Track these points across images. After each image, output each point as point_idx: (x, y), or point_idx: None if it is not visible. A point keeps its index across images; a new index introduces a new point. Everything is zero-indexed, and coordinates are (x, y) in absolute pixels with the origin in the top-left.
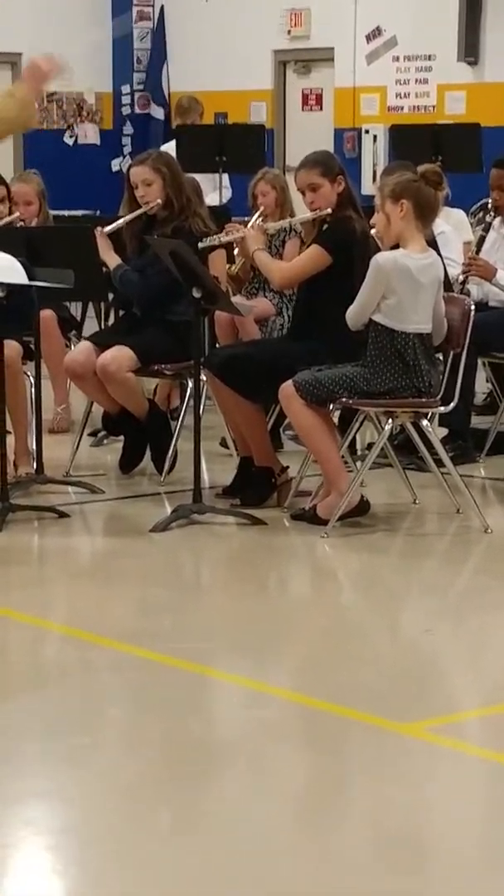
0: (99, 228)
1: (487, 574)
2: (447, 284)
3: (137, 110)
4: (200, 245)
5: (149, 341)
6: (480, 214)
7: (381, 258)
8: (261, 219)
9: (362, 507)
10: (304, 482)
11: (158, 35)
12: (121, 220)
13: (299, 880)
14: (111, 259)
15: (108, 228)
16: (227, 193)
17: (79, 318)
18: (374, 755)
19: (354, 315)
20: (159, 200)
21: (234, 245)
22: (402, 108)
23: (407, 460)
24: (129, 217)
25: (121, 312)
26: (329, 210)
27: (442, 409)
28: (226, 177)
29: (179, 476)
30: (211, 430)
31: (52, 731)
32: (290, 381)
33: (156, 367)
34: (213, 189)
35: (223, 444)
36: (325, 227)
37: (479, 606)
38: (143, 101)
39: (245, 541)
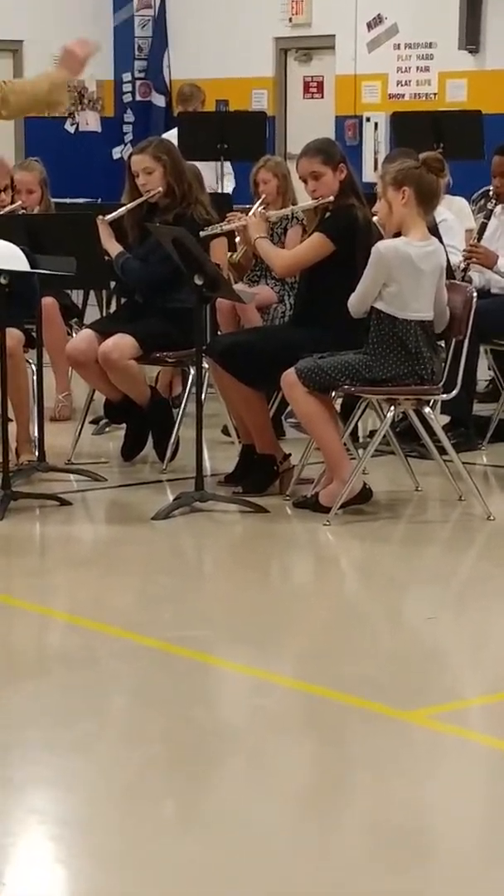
0: (100, 217)
1: (490, 561)
2: (449, 272)
3: (139, 98)
4: (202, 234)
5: (150, 329)
6: (482, 202)
7: (383, 246)
8: (262, 207)
9: (364, 495)
10: (306, 470)
11: (160, 23)
12: (122, 209)
13: (300, 872)
14: (113, 247)
15: (110, 217)
16: (230, 181)
17: (80, 306)
18: (377, 743)
19: (356, 303)
20: (160, 188)
21: (236, 233)
22: (403, 96)
23: (409, 448)
24: (130, 205)
25: (122, 300)
26: (331, 198)
27: (444, 396)
28: (228, 165)
29: (181, 464)
30: (213, 417)
31: (56, 719)
32: (292, 369)
33: (157, 355)
34: (217, 178)
35: (225, 431)
36: (328, 214)
37: (482, 594)
38: (145, 88)
39: (247, 529)
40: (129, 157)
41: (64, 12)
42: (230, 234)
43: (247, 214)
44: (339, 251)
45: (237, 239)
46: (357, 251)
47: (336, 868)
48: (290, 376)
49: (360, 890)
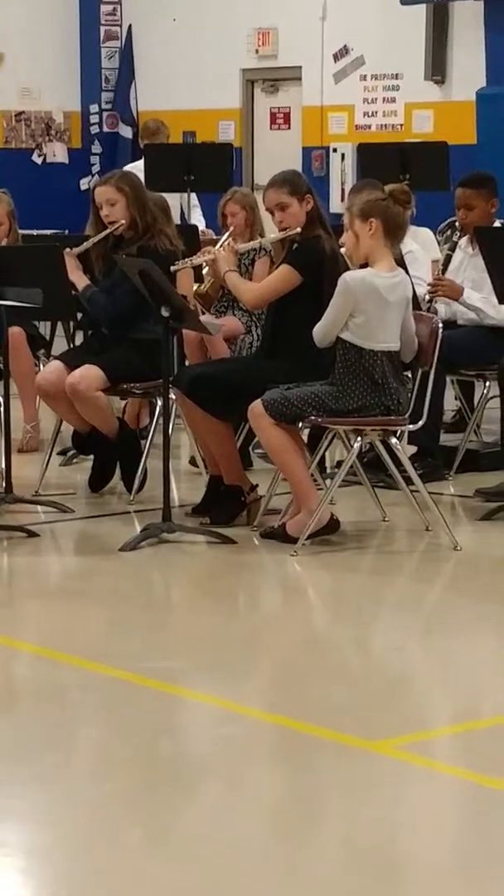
0: (67, 249)
1: (457, 591)
2: (415, 303)
3: (106, 129)
4: (173, 268)
5: (118, 360)
6: (448, 233)
7: (350, 277)
8: (230, 238)
9: (332, 526)
10: (273, 500)
11: (126, 54)
12: (89, 241)
13: None
14: (79, 280)
15: (77, 250)
16: (198, 214)
17: (48, 338)
18: (344, 774)
19: (322, 333)
20: (124, 221)
21: (205, 266)
22: (369, 127)
23: (376, 478)
24: (96, 238)
25: (89, 332)
26: (298, 229)
27: (411, 426)
28: (194, 196)
29: (149, 495)
30: (180, 448)
31: (23, 751)
32: (258, 400)
33: (125, 386)
34: (182, 209)
35: (193, 462)
36: (295, 246)
37: (449, 624)
38: (112, 120)
39: (215, 559)
40: (93, 188)
41: (30, 44)
42: (198, 266)
43: (214, 246)
44: (307, 282)
45: (205, 270)
46: (324, 282)
47: (306, 893)
48: (256, 408)
49: None
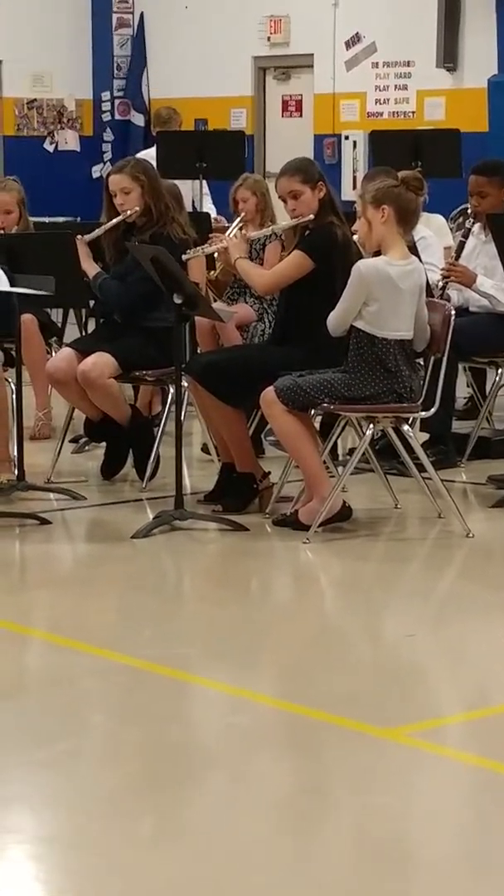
0: (79, 237)
1: (469, 579)
2: (428, 290)
3: (118, 117)
4: (185, 257)
5: (130, 348)
6: (460, 220)
7: (363, 265)
8: (241, 225)
9: (344, 513)
10: (285, 488)
11: (138, 41)
12: (100, 228)
13: (281, 886)
14: (91, 268)
15: (88, 236)
16: (209, 202)
17: (60, 325)
18: (356, 761)
19: (336, 321)
20: (137, 208)
21: (217, 253)
22: (381, 114)
23: (388, 465)
24: (108, 225)
25: (101, 319)
26: (311, 216)
27: (423, 413)
28: (205, 184)
29: (161, 482)
30: (192, 435)
31: (35, 737)
32: (271, 388)
33: (137, 374)
34: (194, 196)
35: (205, 449)
36: (308, 232)
37: (461, 611)
38: (123, 107)
39: (227, 547)
40: (107, 176)
41: (42, 31)
42: (210, 254)
43: (225, 233)
44: (319, 269)
45: (216, 256)
46: (336, 269)
47: (316, 884)
48: (269, 395)
49: None
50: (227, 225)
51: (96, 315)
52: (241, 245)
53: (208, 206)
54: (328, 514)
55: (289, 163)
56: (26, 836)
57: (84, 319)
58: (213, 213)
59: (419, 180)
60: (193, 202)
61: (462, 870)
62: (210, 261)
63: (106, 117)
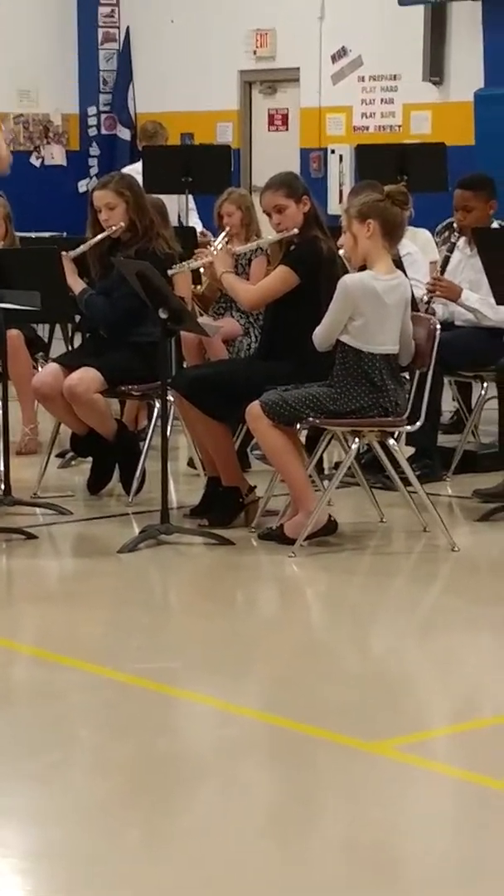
0: (64, 253)
1: (454, 592)
2: (413, 305)
3: (104, 131)
4: (171, 272)
5: (116, 362)
6: (446, 234)
7: (349, 280)
8: (227, 240)
9: (329, 527)
10: (271, 502)
11: (124, 56)
12: (86, 244)
13: None
14: (76, 284)
15: (73, 252)
16: (195, 216)
17: (46, 340)
18: (343, 775)
19: (322, 336)
20: (122, 223)
21: (202, 268)
22: (367, 128)
23: (374, 479)
24: (93, 240)
25: (87, 334)
26: (296, 230)
27: (408, 427)
28: (191, 199)
29: (147, 497)
30: (178, 450)
31: (21, 751)
32: (256, 402)
33: (123, 388)
34: (179, 211)
35: (191, 464)
36: (293, 247)
37: (447, 625)
38: (110, 122)
39: (213, 561)
40: (92, 192)
41: (28, 47)
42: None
43: (210, 247)
44: (304, 283)
45: (202, 271)
46: (321, 283)
47: (304, 894)
48: (254, 409)
49: None
50: (212, 239)
51: (82, 330)
52: (226, 259)
53: (194, 221)
54: (314, 528)
55: (273, 177)
56: (13, 850)
57: (70, 334)
58: (199, 228)
59: (404, 194)
60: (179, 217)
61: (449, 882)
62: (196, 275)
63: (92, 132)
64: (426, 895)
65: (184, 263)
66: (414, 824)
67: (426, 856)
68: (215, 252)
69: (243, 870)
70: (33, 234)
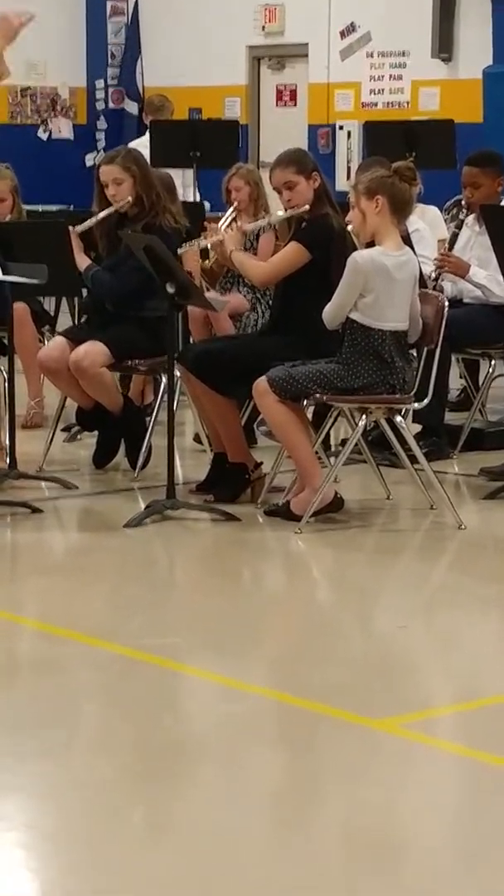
0: (71, 228)
1: (460, 570)
2: (421, 282)
3: (111, 105)
4: (180, 251)
5: (122, 336)
6: (454, 211)
7: (359, 257)
8: (235, 215)
9: (336, 503)
10: (277, 478)
11: (132, 30)
12: (92, 220)
13: (273, 878)
14: (82, 260)
15: (80, 228)
16: (191, 192)
17: (52, 314)
18: (348, 751)
19: (332, 314)
20: (130, 198)
21: (211, 246)
22: (376, 105)
23: (381, 456)
24: (100, 216)
25: (85, 316)
26: (306, 207)
27: (416, 405)
28: (190, 175)
29: (153, 472)
30: (185, 425)
31: (25, 726)
32: (263, 377)
33: (129, 363)
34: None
35: (197, 439)
36: (304, 224)
37: (452, 603)
38: (117, 95)
39: (219, 537)
40: (98, 167)
41: (36, 20)
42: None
43: (218, 223)
44: (316, 260)
45: (209, 247)
46: (332, 259)
47: (308, 875)
48: (261, 385)
49: (334, 889)
50: (219, 215)
51: (87, 310)
52: (237, 238)
53: (192, 195)
54: (320, 505)
55: (282, 154)
56: (16, 824)
57: (77, 308)
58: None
59: (411, 170)
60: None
61: (454, 860)
62: (203, 250)
63: (100, 105)
64: (430, 872)
65: (193, 241)
66: (418, 802)
67: (428, 838)
68: (227, 230)
69: (245, 848)
70: (40, 208)
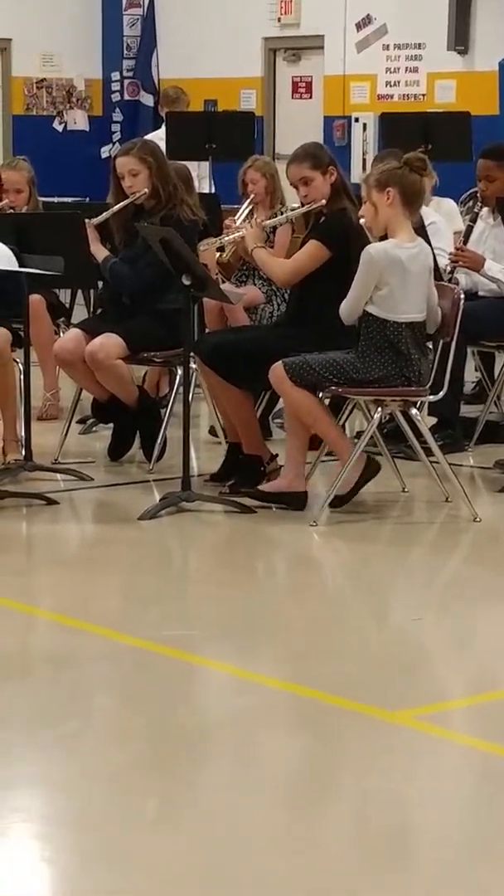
0: (87, 220)
1: (475, 563)
2: (437, 274)
3: (127, 97)
4: (201, 249)
5: (138, 329)
6: (470, 203)
7: (374, 250)
8: (251, 207)
9: (371, 469)
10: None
11: (148, 22)
12: (108, 211)
13: (286, 870)
14: (99, 251)
15: (96, 220)
16: (205, 183)
17: (68, 306)
18: (362, 744)
19: (348, 309)
20: (146, 190)
21: (233, 243)
22: (391, 97)
23: (396, 449)
24: (116, 207)
25: (108, 300)
26: (323, 202)
27: (431, 397)
28: (205, 167)
29: (168, 464)
30: (200, 417)
31: (40, 718)
32: (279, 362)
33: (145, 355)
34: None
35: (212, 431)
36: (322, 219)
37: (467, 595)
38: (133, 87)
39: (233, 529)
40: (114, 158)
41: (52, 10)
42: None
43: (235, 216)
44: (335, 256)
45: (226, 239)
46: (352, 254)
47: (320, 866)
48: (277, 370)
49: (346, 886)
50: (235, 207)
51: (102, 303)
52: (258, 234)
53: (205, 189)
54: (347, 486)
55: (298, 149)
56: (32, 815)
57: (92, 300)
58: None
59: (422, 160)
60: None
61: (467, 851)
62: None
63: (115, 97)
64: (443, 865)
65: (214, 239)
66: (432, 794)
67: (444, 825)
68: (247, 227)
69: (258, 839)
70: (55, 199)
